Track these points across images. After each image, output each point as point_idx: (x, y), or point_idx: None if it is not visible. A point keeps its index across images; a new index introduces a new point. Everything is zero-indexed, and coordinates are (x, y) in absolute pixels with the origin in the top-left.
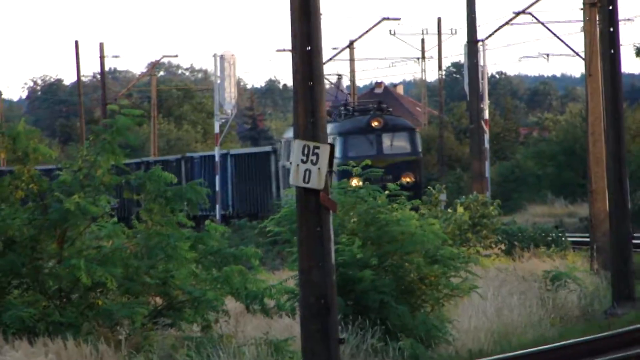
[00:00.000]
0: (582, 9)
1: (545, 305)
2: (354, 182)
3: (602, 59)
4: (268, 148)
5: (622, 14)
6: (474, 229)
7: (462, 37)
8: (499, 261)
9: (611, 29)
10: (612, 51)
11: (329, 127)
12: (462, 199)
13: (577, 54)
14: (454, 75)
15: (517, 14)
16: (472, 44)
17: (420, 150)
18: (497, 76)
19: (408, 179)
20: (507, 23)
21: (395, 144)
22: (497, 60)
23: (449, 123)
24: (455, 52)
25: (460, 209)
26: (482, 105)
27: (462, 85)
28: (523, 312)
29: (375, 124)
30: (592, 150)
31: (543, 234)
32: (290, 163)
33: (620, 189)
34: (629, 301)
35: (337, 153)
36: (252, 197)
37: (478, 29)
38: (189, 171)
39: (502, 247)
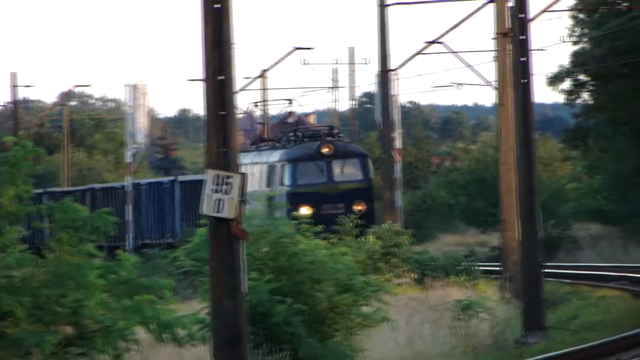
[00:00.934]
0: (494, 38)
1: (456, 334)
2: (304, 210)
3: (514, 88)
4: None
5: (534, 44)
6: (385, 257)
7: (375, 67)
8: (410, 290)
9: (523, 59)
10: (524, 81)
11: (278, 154)
12: (375, 228)
13: (489, 84)
14: (366, 104)
15: (429, 43)
16: (384, 74)
17: (372, 177)
18: (409, 106)
19: (360, 207)
20: (418, 53)
21: (346, 171)
22: (409, 89)
23: None
24: (367, 81)
25: (371, 238)
26: (393, 135)
27: (374, 114)
28: (435, 341)
29: (325, 150)
30: (503, 179)
31: (454, 263)
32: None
33: (531, 218)
34: (540, 330)
35: (287, 180)
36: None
37: (390, 58)
38: (93, 202)
39: (414, 276)
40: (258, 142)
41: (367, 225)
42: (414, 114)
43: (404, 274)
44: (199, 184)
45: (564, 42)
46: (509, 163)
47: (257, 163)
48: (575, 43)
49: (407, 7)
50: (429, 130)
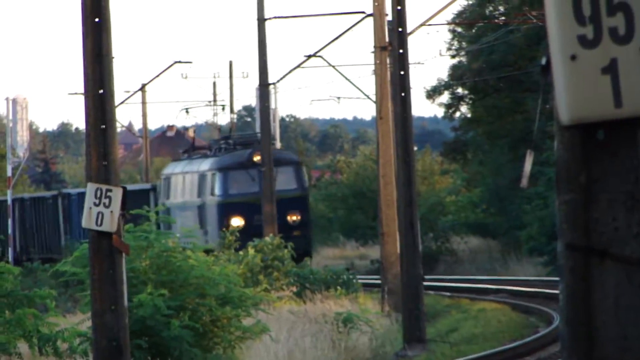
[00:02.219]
0: (373, 52)
1: (336, 347)
2: (235, 221)
3: (393, 101)
4: (147, 185)
5: (413, 57)
6: (266, 271)
7: (254, 80)
8: (291, 304)
9: (402, 72)
10: (403, 94)
11: (208, 162)
12: (256, 242)
13: (368, 97)
14: (246, 118)
15: (309, 57)
16: (264, 87)
17: (307, 185)
18: (289, 119)
19: (294, 217)
20: (298, 66)
21: (279, 179)
22: (289, 103)
23: None
24: (247, 95)
25: (251, 251)
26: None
27: (253, 128)
28: (315, 354)
29: (257, 158)
30: (383, 192)
31: (334, 276)
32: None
33: (411, 231)
34: (420, 343)
35: (217, 190)
36: None
37: (270, 72)
38: None
39: (294, 289)
40: (190, 150)
41: (304, 237)
42: (293, 128)
43: (285, 287)
44: (83, 197)
45: (442, 55)
46: (388, 176)
47: (187, 172)
48: (453, 57)
49: (287, 21)
50: (308, 143)
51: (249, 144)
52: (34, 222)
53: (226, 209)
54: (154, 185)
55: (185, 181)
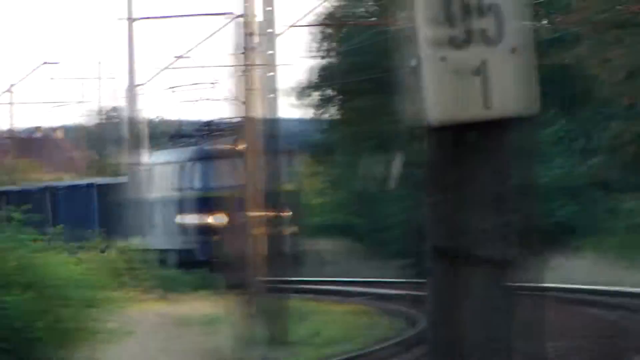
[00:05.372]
0: (243, 53)
1: (202, 349)
2: (217, 217)
3: (261, 102)
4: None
5: (282, 58)
6: (131, 273)
7: (123, 82)
8: (156, 305)
9: (271, 73)
10: (272, 95)
11: (189, 151)
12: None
13: (237, 98)
14: (114, 119)
15: (177, 58)
16: (132, 89)
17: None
18: (157, 120)
19: (285, 214)
20: (166, 67)
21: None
22: (157, 104)
23: (108, 167)
24: (115, 96)
25: (115, 254)
26: (141, 150)
27: (122, 129)
28: (180, 357)
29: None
30: (250, 194)
31: (200, 279)
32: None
33: (278, 235)
34: (284, 345)
35: (197, 183)
36: (113, 234)
37: (138, 73)
38: None
39: (159, 291)
40: (175, 138)
41: (293, 235)
42: (161, 129)
43: (150, 289)
44: None
45: (311, 57)
46: (254, 179)
47: (169, 162)
48: (322, 58)
49: (156, 23)
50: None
51: (234, 130)
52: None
53: (207, 204)
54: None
55: (166, 172)
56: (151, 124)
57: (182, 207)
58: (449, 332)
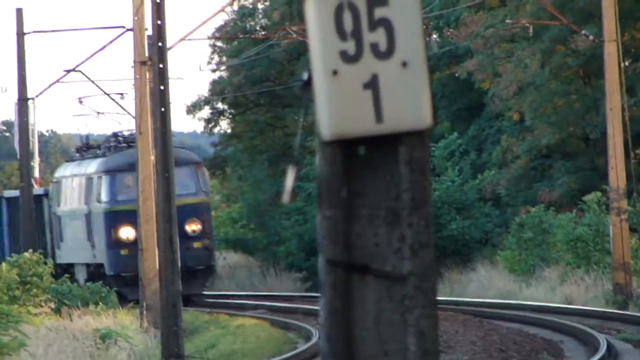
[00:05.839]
0: (133, 67)
1: None
2: (125, 231)
3: (152, 117)
4: (40, 190)
5: (173, 72)
6: (24, 287)
7: (13, 95)
8: (49, 319)
9: (162, 87)
10: (163, 109)
11: (96, 163)
12: (14, 257)
13: (128, 112)
14: (5, 133)
15: (68, 71)
16: (23, 102)
17: (208, 190)
18: (48, 134)
19: (194, 227)
20: (57, 81)
21: (176, 182)
22: (49, 118)
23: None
24: (6, 110)
25: (6, 267)
26: (32, 164)
27: (12, 143)
28: None
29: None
30: (142, 208)
31: (93, 293)
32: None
33: (170, 247)
34: (178, 359)
35: (104, 196)
36: (25, 249)
37: (29, 86)
38: None
39: (52, 305)
40: (82, 150)
41: (205, 249)
42: (53, 143)
43: (43, 303)
44: None
45: (202, 70)
46: (147, 192)
47: (76, 175)
48: (213, 71)
49: (48, 36)
50: (67, 158)
51: None
52: (16, 227)
53: (114, 218)
54: (47, 190)
55: (74, 185)
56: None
57: (90, 220)
58: (342, 345)
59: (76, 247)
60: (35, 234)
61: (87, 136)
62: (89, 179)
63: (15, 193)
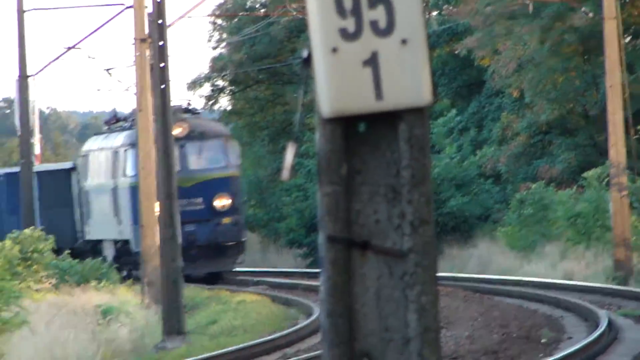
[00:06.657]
0: (133, 44)
1: (97, 339)
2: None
3: (153, 94)
4: (68, 164)
5: (174, 49)
6: (25, 263)
7: (14, 72)
8: (50, 295)
9: (162, 64)
10: (163, 86)
11: (123, 136)
12: (15, 233)
13: (127, 89)
14: (5, 110)
15: (68, 49)
16: (24, 79)
17: (238, 163)
18: (48, 111)
19: (223, 202)
20: (57, 58)
21: (205, 156)
22: (49, 95)
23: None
24: (6, 87)
25: (8, 243)
26: (33, 141)
27: (12, 120)
28: (75, 347)
29: (177, 130)
30: (143, 185)
31: (94, 269)
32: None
33: (171, 224)
34: (180, 335)
35: (130, 170)
36: (54, 227)
37: (29, 63)
38: None
39: (53, 282)
40: (111, 121)
41: (235, 225)
42: (53, 120)
43: (44, 279)
44: None
45: (203, 47)
46: (148, 168)
47: (103, 149)
48: (214, 48)
49: (48, 13)
50: (67, 135)
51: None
52: (46, 203)
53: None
54: (75, 164)
55: (101, 159)
56: (42, 114)
57: (116, 195)
58: (343, 321)
59: (103, 222)
60: (65, 209)
61: (115, 110)
62: (115, 152)
63: (45, 167)
